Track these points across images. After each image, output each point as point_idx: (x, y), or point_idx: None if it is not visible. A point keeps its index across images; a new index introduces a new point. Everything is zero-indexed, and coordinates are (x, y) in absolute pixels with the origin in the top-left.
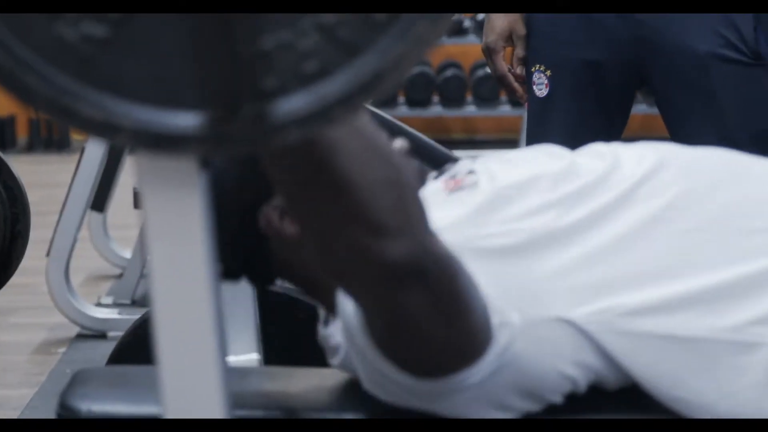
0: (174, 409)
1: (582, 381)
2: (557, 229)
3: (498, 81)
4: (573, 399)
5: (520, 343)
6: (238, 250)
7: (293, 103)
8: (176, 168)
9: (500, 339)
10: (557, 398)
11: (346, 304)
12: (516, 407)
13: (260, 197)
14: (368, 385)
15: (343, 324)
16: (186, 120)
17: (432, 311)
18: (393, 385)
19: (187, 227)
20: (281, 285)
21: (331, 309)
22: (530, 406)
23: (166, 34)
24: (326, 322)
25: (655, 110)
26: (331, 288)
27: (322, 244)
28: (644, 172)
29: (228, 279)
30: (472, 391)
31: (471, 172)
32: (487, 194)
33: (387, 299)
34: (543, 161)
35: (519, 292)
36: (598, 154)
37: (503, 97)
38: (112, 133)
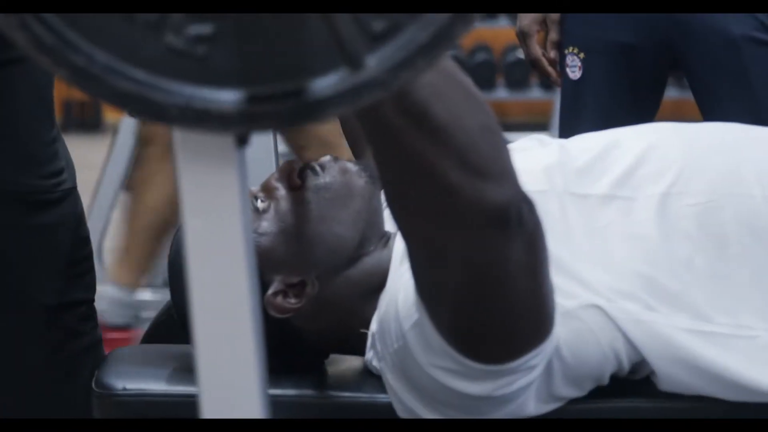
0: (210, 390)
1: (625, 360)
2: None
3: (531, 64)
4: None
5: (562, 331)
6: (273, 350)
7: (332, 80)
8: (214, 145)
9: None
10: (605, 380)
11: (389, 312)
12: (564, 396)
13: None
14: (410, 406)
15: (385, 338)
16: (226, 97)
17: (525, 266)
18: (446, 392)
19: (223, 205)
20: None
21: (363, 346)
22: (577, 393)
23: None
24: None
25: (686, 95)
26: (360, 324)
27: (420, 194)
28: (643, 149)
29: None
30: (530, 386)
31: None
32: None
33: (487, 245)
34: (536, 151)
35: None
36: (589, 137)
37: (534, 80)
38: (157, 112)
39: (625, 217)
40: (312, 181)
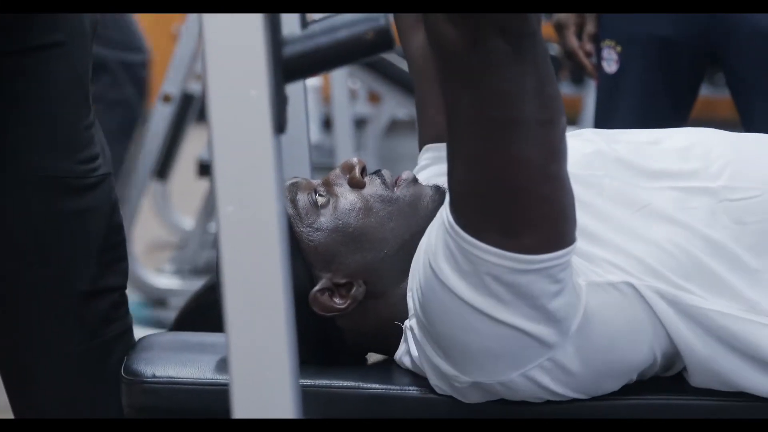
0: (240, 378)
1: (656, 347)
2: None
3: (567, 57)
4: None
5: (593, 300)
6: (313, 345)
7: None
8: (250, 132)
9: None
10: (634, 373)
11: (416, 268)
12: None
13: (305, 286)
14: (436, 372)
15: (415, 292)
16: None
17: (533, 89)
18: (464, 324)
19: (258, 192)
20: None
21: (395, 346)
22: (605, 383)
23: None
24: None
25: (718, 93)
26: (393, 328)
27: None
28: (687, 143)
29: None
30: (543, 344)
31: None
32: None
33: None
34: (575, 140)
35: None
36: (630, 131)
37: (564, 76)
38: None
39: (667, 205)
40: (379, 190)
